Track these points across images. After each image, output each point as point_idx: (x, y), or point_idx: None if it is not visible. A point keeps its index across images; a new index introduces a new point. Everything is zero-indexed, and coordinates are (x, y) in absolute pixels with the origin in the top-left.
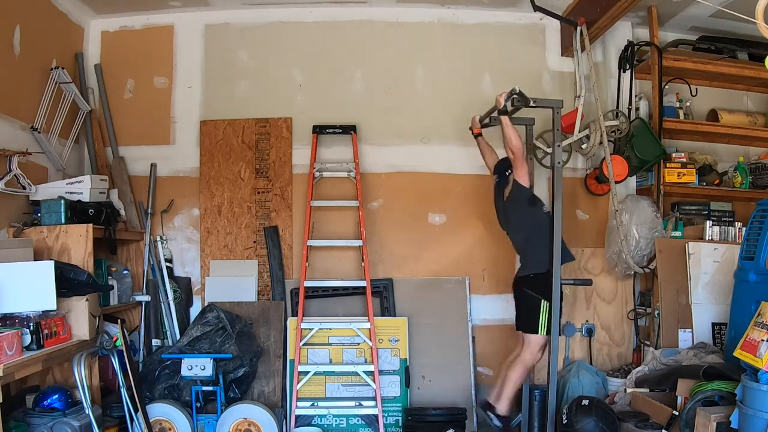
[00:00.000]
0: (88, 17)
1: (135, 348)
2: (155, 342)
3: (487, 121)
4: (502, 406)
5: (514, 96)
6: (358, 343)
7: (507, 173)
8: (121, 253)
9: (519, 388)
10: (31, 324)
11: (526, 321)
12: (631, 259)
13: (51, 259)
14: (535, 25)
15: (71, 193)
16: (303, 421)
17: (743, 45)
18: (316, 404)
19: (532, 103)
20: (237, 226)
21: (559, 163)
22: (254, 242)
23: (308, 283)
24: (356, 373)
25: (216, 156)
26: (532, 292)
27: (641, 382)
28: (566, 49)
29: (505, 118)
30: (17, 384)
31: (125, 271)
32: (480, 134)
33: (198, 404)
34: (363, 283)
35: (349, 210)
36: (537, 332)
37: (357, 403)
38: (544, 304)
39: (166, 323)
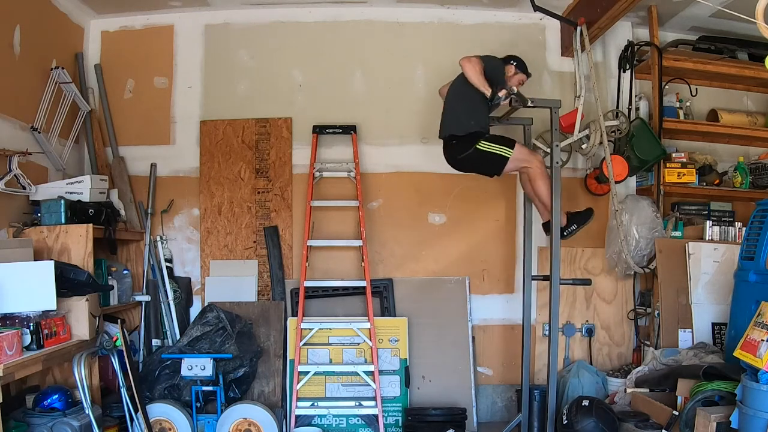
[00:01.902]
0: (88, 17)
1: (135, 348)
2: (155, 342)
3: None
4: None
5: (512, 96)
6: (358, 343)
7: (512, 62)
8: (121, 253)
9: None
10: (31, 324)
11: (493, 165)
12: (631, 259)
13: (51, 259)
14: (535, 25)
15: (71, 193)
16: (303, 421)
17: (743, 45)
18: (316, 404)
19: (530, 103)
20: (237, 226)
21: (558, 162)
22: (254, 242)
23: (308, 283)
24: (356, 373)
25: (216, 156)
26: (460, 155)
27: (641, 382)
28: (566, 49)
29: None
30: (17, 384)
31: (125, 271)
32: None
33: (198, 404)
34: (363, 283)
35: (349, 210)
36: (507, 156)
37: (357, 403)
38: (480, 145)
39: (166, 323)
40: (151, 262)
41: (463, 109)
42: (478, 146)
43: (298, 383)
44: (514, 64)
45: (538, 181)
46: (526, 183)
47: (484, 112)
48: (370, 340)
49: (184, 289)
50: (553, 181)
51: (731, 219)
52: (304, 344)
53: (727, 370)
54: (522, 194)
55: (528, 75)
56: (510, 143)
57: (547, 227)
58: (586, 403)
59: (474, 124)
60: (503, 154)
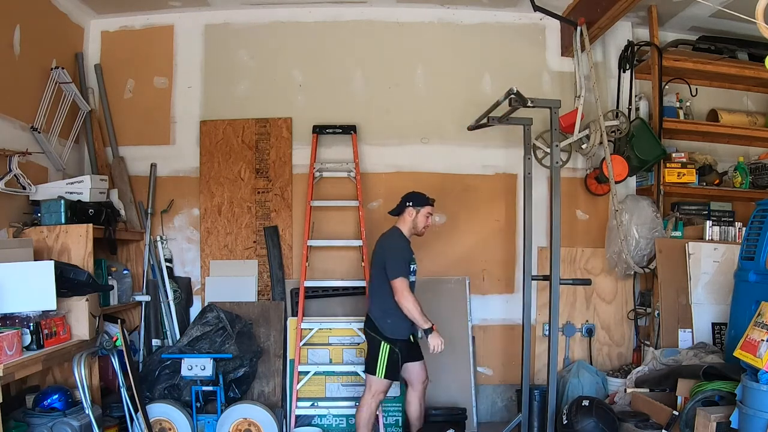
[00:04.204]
0: (88, 17)
1: (135, 348)
2: (155, 342)
3: (484, 121)
4: None
5: (512, 96)
6: (358, 343)
7: (408, 204)
8: (121, 253)
9: (370, 427)
10: (31, 324)
11: (369, 362)
12: (631, 259)
13: (51, 259)
14: (535, 25)
15: (71, 193)
16: (303, 421)
17: (743, 45)
18: (316, 404)
19: (529, 104)
20: (237, 226)
21: (557, 162)
22: (254, 242)
23: (308, 283)
24: (356, 373)
25: (216, 156)
26: (371, 332)
27: (641, 382)
28: (566, 49)
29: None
30: (17, 384)
31: (125, 271)
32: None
33: (198, 404)
34: (363, 283)
35: (349, 210)
36: (375, 374)
37: (357, 403)
38: (384, 345)
39: (166, 323)
40: (151, 262)
41: (389, 299)
42: (383, 343)
43: (298, 383)
44: (410, 204)
45: (361, 409)
46: (358, 409)
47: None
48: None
49: (184, 289)
50: (553, 182)
51: (731, 219)
52: (304, 344)
53: (727, 370)
54: (522, 195)
55: (431, 202)
56: (393, 375)
57: None
58: (586, 403)
59: (389, 328)
60: (376, 368)
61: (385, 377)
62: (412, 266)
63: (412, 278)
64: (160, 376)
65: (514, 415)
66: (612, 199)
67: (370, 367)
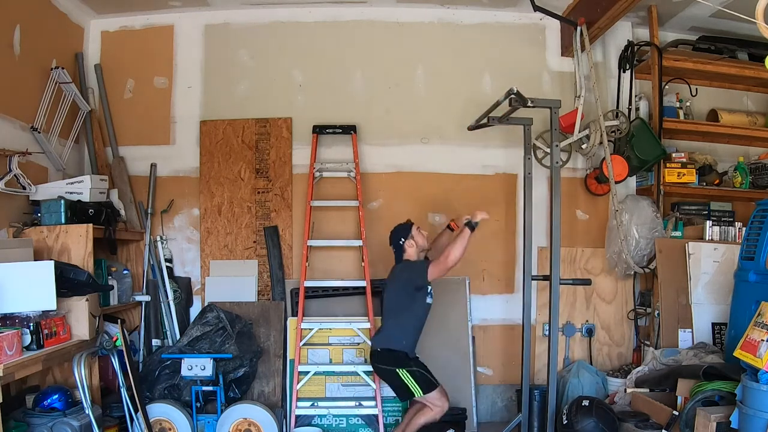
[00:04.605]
0: (88, 17)
1: (135, 348)
2: (155, 342)
3: (484, 121)
4: None
5: (512, 96)
6: (358, 343)
7: (401, 242)
8: (121, 253)
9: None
10: (31, 324)
11: (402, 393)
12: (631, 259)
13: (51, 259)
14: (535, 25)
15: (71, 193)
16: (303, 421)
17: (743, 45)
18: (316, 404)
19: (529, 103)
20: (237, 226)
21: (557, 162)
22: (254, 242)
23: (308, 283)
24: (356, 373)
25: (216, 156)
26: (383, 366)
27: (641, 382)
28: (566, 49)
29: (468, 232)
30: (17, 384)
31: (125, 271)
32: (453, 229)
33: (198, 404)
34: (363, 283)
35: (349, 210)
36: (416, 395)
37: (357, 403)
38: (401, 372)
39: (166, 323)
40: (151, 262)
41: (402, 324)
42: (398, 370)
43: (298, 383)
44: (403, 240)
45: (424, 416)
46: (413, 405)
47: (415, 325)
48: (370, 340)
49: (184, 289)
50: (553, 182)
51: (731, 219)
52: (304, 344)
53: (727, 370)
54: (522, 195)
55: (411, 223)
56: (432, 384)
57: None
58: (586, 403)
59: (405, 344)
60: (413, 391)
61: (425, 393)
62: (429, 287)
63: (429, 300)
64: (160, 376)
65: (514, 415)
66: (612, 199)
67: (407, 395)
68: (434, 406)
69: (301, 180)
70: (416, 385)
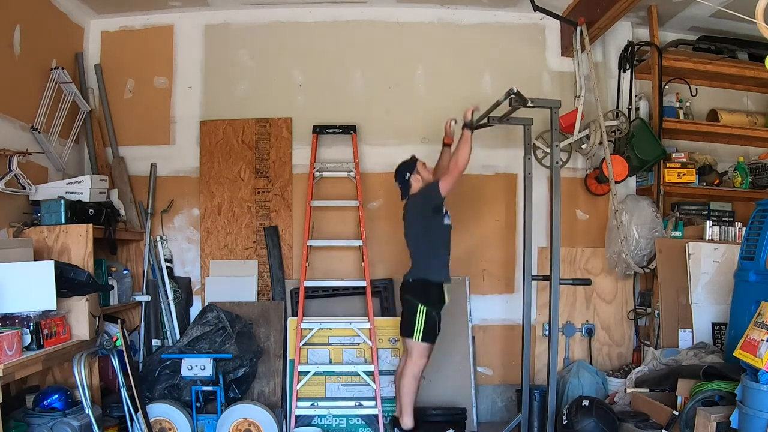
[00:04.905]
0: (88, 17)
1: (135, 348)
2: (155, 342)
3: (484, 121)
4: (406, 420)
5: (512, 96)
6: (358, 343)
7: (406, 177)
8: (121, 253)
9: (415, 396)
10: (31, 324)
11: (405, 325)
12: (631, 259)
13: (51, 259)
14: (535, 25)
15: (71, 193)
16: (303, 421)
17: (743, 45)
18: (316, 404)
19: (529, 103)
20: (237, 226)
21: (557, 163)
22: (254, 242)
23: (308, 283)
24: (356, 373)
25: (216, 156)
26: (410, 297)
27: (641, 382)
28: (566, 49)
29: (468, 134)
30: (17, 384)
31: (125, 271)
32: (449, 145)
33: (198, 404)
34: (363, 283)
35: (349, 210)
36: (412, 337)
37: (357, 403)
38: (420, 308)
39: (166, 323)
40: (151, 262)
41: (432, 251)
42: (420, 306)
43: (298, 383)
44: (409, 175)
45: (406, 376)
46: (396, 375)
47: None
48: (370, 340)
49: (184, 289)
50: (552, 182)
51: (731, 219)
52: (304, 344)
53: (727, 370)
54: (522, 195)
55: (415, 158)
56: (431, 338)
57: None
58: (586, 403)
59: (438, 271)
60: (413, 331)
61: (422, 340)
62: (445, 209)
63: (448, 221)
64: (160, 376)
65: (514, 415)
66: (612, 199)
67: (407, 331)
68: (415, 360)
69: (301, 180)
70: (421, 328)
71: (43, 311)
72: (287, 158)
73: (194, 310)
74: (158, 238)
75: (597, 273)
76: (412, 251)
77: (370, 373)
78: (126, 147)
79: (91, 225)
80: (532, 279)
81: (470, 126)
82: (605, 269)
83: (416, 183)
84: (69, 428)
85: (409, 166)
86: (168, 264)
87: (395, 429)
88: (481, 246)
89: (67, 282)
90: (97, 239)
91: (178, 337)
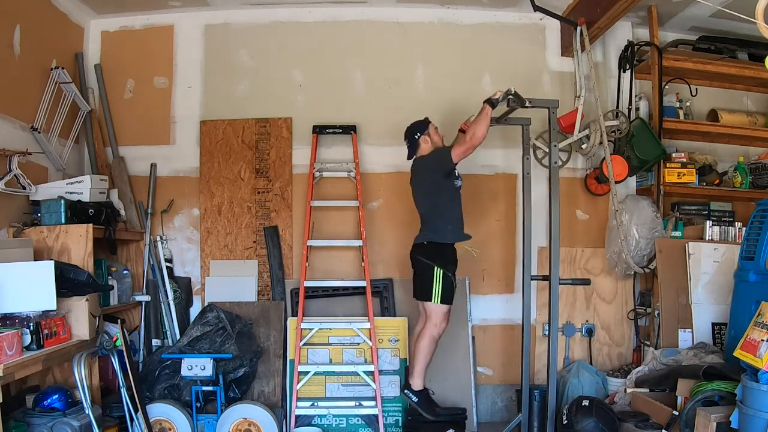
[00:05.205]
0: (88, 17)
1: (135, 348)
2: (155, 342)
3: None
4: (417, 382)
5: (510, 96)
6: (358, 343)
7: (416, 136)
8: (121, 253)
9: (429, 360)
10: (31, 324)
11: (421, 288)
12: (631, 259)
13: (51, 259)
14: (535, 25)
15: (71, 193)
16: (303, 421)
17: (743, 45)
18: (316, 404)
19: (527, 104)
20: (237, 226)
21: (556, 163)
22: (254, 242)
23: (308, 283)
24: (356, 373)
25: (216, 156)
26: (425, 259)
27: (641, 382)
28: (566, 49)
29: (489, 109)
30: (17, 384)
31: (125, 271)
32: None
33: (198, 404)
34: (363, 283)
35: (349, 210)
36: (431, 300)
37: (357, 403)
38: (437, 270)
39: (166, 323)
40: (151, 262)
41: (445, 214)
42: (436, 268)
43: (298, 383)
44: (419, 135)
45: (424, 338)
46: (413, 337)
47: (456, 209)
48: (370, 340)
49: (184, 289)
50: (552, 182)
51: (731, 219)
52: (304, 344)
53: (727, 370)
54: (522, 195)
55: (428, 120)
56: (449, 299)
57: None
58: (586, 403)
59: (451, 232)
60: (432, 294)
61: (442, 302)
62: (457, 171)
63: (459, 183)
64: (160, 376)
65: (514, 415)
66: (612, 199)
67: (425, 295)
68: (437, 323)
69: (301, 180)
70: (439, 290)
71: (43, 311)
72: (287, 158)
73: (194, 310)
74: (158, 238)
75: (597, 273)
76: (423, 213)
77: (370, 373)
78: (126, 147)
79: (91, 225)
80: (532, 279)
81: (492, 103)
82: (605, 269)
83: (425, 144)
84: (69, 428)
85: (420, 126)
86: (168, 264)
87: (405, 391)
88: (481, 246)
89: (67, 282)
90: (97, 239)
91: (178, 337)
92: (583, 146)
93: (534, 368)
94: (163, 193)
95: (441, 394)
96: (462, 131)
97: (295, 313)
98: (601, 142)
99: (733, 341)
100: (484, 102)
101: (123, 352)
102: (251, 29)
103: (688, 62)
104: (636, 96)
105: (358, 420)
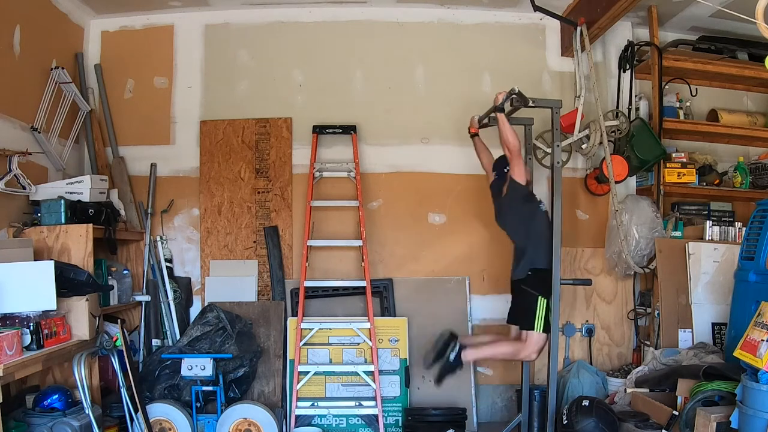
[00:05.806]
0: (88, 17)
1: (135, 348)
2: (155, 342)
3: (486, 121)
4: (470, 354)
5: (513, 96)
6: (358, 343)
7: (505, 170)
8: (121, 253)
9: (489, 358)
10: (31, 324)
11: (524, 318)
12: (631, 259)
13: (51, 259)
14: (535, 25)
15: (71, 193)
16: (303, 421)
17: (743, 45)
18: (316, 404)
19: (531, 103)
20: (237, 226)
21: (558, 163)
22: (254, 242)
23: (308, 283)
24: (356, 373)
25: (216, 156)
26: (529, 289)
27: (641, 382)
28: (566, 49)
29: (501, 116)
30: (17, 384)
31: (125, 271)
32: (477, 134)
33: (198, 404)
34: (363, 283)
35: (349, 210)
36: (533, 329)
37: (357, 403)
38: (541, 300)
39: (166, 323)
40: (151, 262)
41: (540, 240)
42: (540, 298)
43: (298, 383)
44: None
45: (511, 348)
46: (510, 341)
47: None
48: (370, 340)
49: (184, 289)
50: (554, 182)
51: (731, 219)
52: (304, 344)
53: (727, 370)
54: None
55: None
56: (549, 328)
57: None
58: (586, 403)
59: (546, 258)
60: (534, 323)
61: (543, 331)
62: (535, 195)
63: (544, 207)
64: (160, 376)
65: (514, 415)
66: (612, 199)
67: (527, 323)
68: (531, 348)
69: (301, 180)
70: (542, 320)
71: (43, 311)
72: (287, 158)
73: (194, 310)
74: (158, 238)
75: (597, 273)
76: (519, 244)
77: (370, 373)
78: (126, 147)
79: (91, 225)
80: None
81: (501, 109)
82: (605, 269)
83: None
84: (69, 428)
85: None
86: (168, 264)
87: (456, 344)
88: (481, 246)
89: (67, 282)
90: (97, 239)
91: (178, 337)
92: (583, 146)
93: (534, 368)
94: (163, 193)
95: (441, 394)
96: (472, 135)
97: (295, 313)
98: (601, 142)
99: (733, 341)
100: (495, 112)
101: (123, 352)
102: (251, 29)
103: (688, 62)
104: (636, 96)
105: (358, 420)
